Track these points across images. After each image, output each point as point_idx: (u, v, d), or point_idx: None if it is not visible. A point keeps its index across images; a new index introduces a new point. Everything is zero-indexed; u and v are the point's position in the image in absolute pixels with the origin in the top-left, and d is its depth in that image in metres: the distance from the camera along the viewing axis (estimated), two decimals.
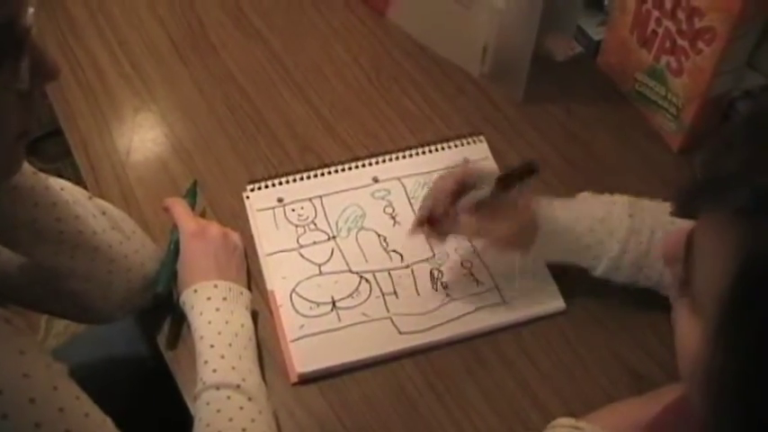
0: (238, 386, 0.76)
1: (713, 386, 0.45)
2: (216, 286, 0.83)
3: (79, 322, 0.93)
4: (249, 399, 0.76)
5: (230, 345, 0.79)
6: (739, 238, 0.43)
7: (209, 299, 0.82)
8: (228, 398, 0.75)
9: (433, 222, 0.86)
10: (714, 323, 0.44)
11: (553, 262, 0.89)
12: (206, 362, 0.78)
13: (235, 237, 0.91)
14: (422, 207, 0.87)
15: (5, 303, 0.76)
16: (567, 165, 1.03)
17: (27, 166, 0.75)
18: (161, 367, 0.87)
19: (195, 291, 0.82)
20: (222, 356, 0.78)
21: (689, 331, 0.48)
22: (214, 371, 0.77)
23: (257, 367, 0.81)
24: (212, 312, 0.81)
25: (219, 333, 0.79)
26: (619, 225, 0.84)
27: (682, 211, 0.48)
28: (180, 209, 0.90)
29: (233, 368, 0.77)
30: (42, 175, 0.77)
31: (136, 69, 1.13)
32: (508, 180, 0.83)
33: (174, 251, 0.88)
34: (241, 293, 0.85)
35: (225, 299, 0.82)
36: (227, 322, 0.81)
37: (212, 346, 0.78)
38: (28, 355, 0.59)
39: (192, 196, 0.95)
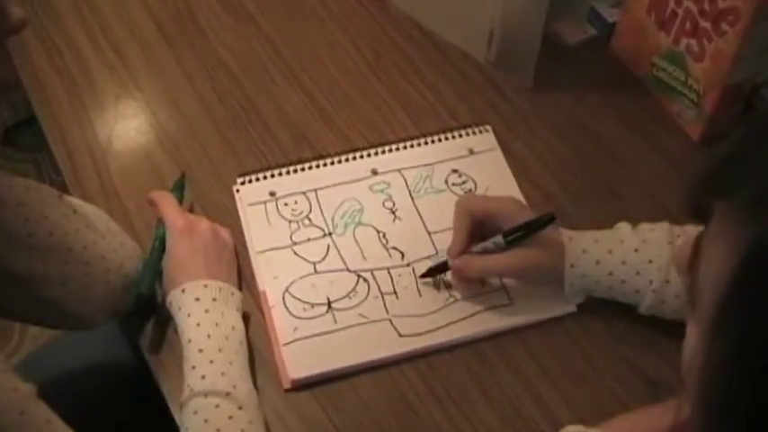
0: (228, 393, 0.77)
1: (704, 389, 0.45)
2: (206, 286, 0.83)
3: (58, 329, 0.93)
4: (239, 407, 0.77)
5: (220, 349, 0.80)
6: (743, 232, 0.43)
7: (197, 299, 0.82)
8: (217, 406, 0.76)
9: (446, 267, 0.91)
10: (709, 322, 0.45)
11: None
12: (194, 367, 0.78)
13: (225, 234, 0.92)
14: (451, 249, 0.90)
15: None
16: (577, 156, 1.04)
17: None
18: (144, 373, 0.87)
19: (183, 291, 0.83)
20: (211, 361, 0.79)
21: (690, 340, 0.48)
22: (203, 377, 0.77)
23: (248, 373, 0.82)
24: (201, 314, 0.81)
25: (209, 336, 0.80)
26: (658, 253, 0.83)
27: (690, 207, 0.49)
28: (167, 203, 0.91)
29: (223, 374, 0.78)
30: (4, 175, 0.77)
31: (118, 54, 1.13)
32: (515, 235, 0.87)
33: (160, 248, 0.89)
34: (232, 294, 0.85)
35: (215, 300, 0.83)
36: (216, 325, 0.81)
37: (201, 350, 0.79)
38: None
39: (179, 190, 0.96)
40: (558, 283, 0.87)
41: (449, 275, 0.92)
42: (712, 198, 0.46)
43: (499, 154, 1.03)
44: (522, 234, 0.86)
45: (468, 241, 0.89)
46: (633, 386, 0.86)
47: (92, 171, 1.01)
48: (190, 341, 0.80)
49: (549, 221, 0.86)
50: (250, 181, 1.00)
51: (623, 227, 0.87)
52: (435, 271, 0.91)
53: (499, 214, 0.89)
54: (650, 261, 0.84)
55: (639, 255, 0.84)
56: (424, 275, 0.92)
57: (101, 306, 0.85)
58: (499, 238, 0.87)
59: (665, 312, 0.85)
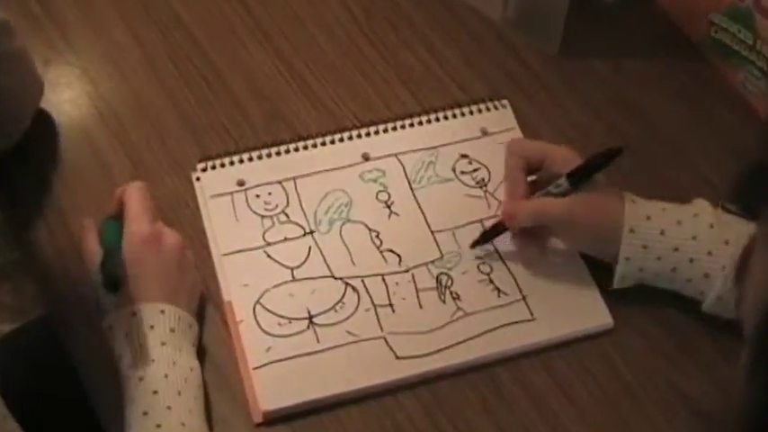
0: None
1: (741, 427, 0.46)
2: (163, 312, 0.84)
3: None
4: None
5: (179, 393, 0.81)
6: None
7: (152, 327, 0.83)
8: None
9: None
10: (749, 349, 0.45)
11: (650, 284, 0.91)
12: (146, 413, 0.79)
13: (190, 253, 0.91)
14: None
15: None
16: (615, 137, 1.05)
17: None
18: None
19: (133, 314, 0.83)
20: (169, 408, 0.80)
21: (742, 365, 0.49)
22: (158, 427, 0.78)
23: (206, 424, 0.83)
24: (157, 348, 0.82)
25: (166, 376, 0.81)
26: (738, 233, 0.84)
27: (740, 200, 0.50)
28: (136, 200, 0.89)
29: (183, 425, 0.79)
30: None
31: (46, 8, 1.13)
32: (581, 175, 0.90)
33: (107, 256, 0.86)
34: (189, 327, 0.86)
35: (172, 330, 0.83)
36: (174, 363, 0.82)
37: (156, 392, 0.80)
38: None
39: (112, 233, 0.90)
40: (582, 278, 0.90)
41: (458, 284, 0.94)
42: (759, 198, 0.47)
43: (518, 135, 1.05)
44: (589, 171, 0.90)
45: (527, 190, 0.92)
46: (680, 419, 0.87)
47: None
48: (142, 379, 0.80)
49: (617, 153, 0.90)
50: (213, 167, 1.01)
51: (701, 202, 0.90)
52: (491, 235, 0.94)
53: (555, 159, 0.92)
54: (726, 242, 0.85)
55: (714, 232, 0.86)
56: (476, 243, 0.95)
57: None
58: (562, 180, 0.90)
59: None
